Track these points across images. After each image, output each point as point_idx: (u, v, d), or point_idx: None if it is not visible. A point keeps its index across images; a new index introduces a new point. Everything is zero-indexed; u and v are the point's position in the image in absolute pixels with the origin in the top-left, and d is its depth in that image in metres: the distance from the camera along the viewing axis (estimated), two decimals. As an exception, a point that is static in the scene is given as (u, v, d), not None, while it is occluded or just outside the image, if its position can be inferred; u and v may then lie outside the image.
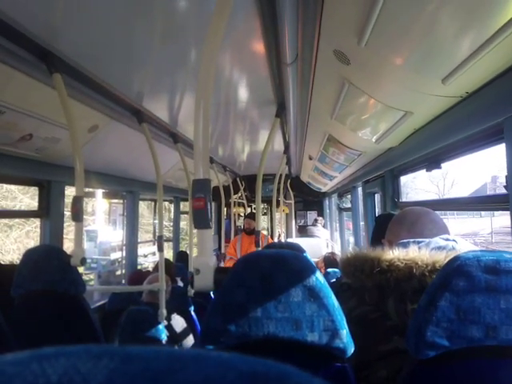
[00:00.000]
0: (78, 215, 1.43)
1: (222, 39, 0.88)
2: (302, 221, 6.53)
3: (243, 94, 2.17)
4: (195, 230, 0.86)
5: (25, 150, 1.95)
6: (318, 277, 0.75)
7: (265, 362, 0.14)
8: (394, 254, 0.87)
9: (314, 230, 5.33)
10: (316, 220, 5.52)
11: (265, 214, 6.88)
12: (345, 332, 0.75)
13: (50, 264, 1.40)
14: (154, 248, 9.03)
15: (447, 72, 1.06)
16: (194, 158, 0.80)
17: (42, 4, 1.19)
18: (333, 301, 0.75)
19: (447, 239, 0.91)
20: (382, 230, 1.35)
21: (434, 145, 1.52)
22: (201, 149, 0.80)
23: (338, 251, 4.68)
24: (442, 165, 1.64)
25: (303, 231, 5.70)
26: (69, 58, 1.52)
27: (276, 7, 1.12)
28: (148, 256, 7.79)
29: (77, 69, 1.59)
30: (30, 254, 1.44)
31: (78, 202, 1.44)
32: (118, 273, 6.83)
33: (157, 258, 7.98)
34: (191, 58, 1.67)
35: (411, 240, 0.93)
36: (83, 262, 1.41)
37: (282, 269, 0.74)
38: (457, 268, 0.72)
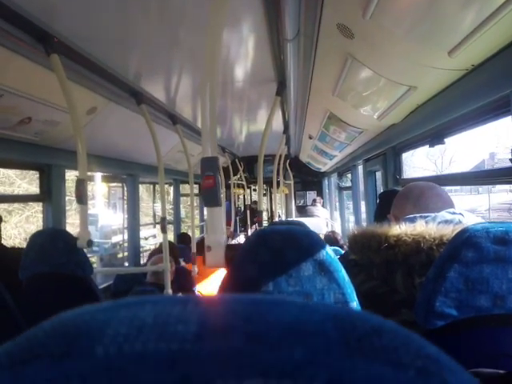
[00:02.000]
0: (82, 198, 1.43)
1: (226, 18, 0.86)
2: (302, 201, 6.56)
3: (242, 72, 2.14)
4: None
5: (24, 134, 1.93)
6: (328, 251, 0.76)
7: (345, 307, 0.15)
8: (401, 229, 0.87)
9: (314, 210, 5.36)
10: (315, 200, 5.55)
11: (264, 194, 6.91)
12: (355, 304, 0.76)
13: (56, 246, 1.41)
14: (154, 231, 9.09)
15: (454, 44, 1.04)
16: (201, 136, 0.80)
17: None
18: (343, 274, 0.76)
19: (453, 213, 0.92)
20: (386, 206, 1.36)
21: (437, 120, 1.51)
22: (208, 127, 0.80)
23: (337, 230, 4.72)
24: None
25: (302, 211, 5.74)
26: (66, 39, 1.49)
27: None
28: (149, 239, 7.85)
29: (74, 50, 1.56)
30: (36, 237, 1.44)
31: (81, 185, 1.43)
32: (120, 255, 6.90)
33: (157, 240, 8.03)
34: (188, 39, 1.63)
35: (417, 215, 0.93)
36: (90, 243, 1.42)
37: (292, 244, 0.75)
38: (466, 240, 0.73)
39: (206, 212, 6.58)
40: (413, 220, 0.91)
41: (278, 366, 0.12)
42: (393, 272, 0.89)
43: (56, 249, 1.39)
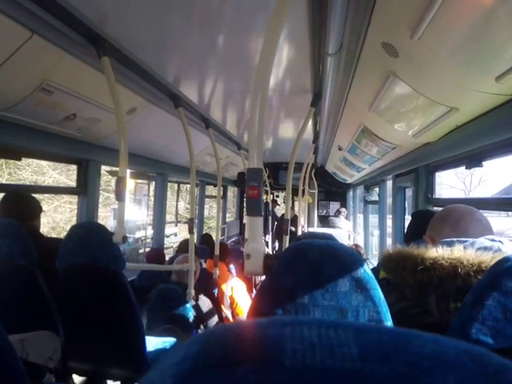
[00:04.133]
0: (120, 195, 1.49)
1: (282, 29, 0.89)
2: (324, 211, 6.52)
3: (280, 80, 2.17)
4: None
5: (68, 129, 2.02)
6: (366, 269, 0.77)
7: (468, 344, 0.17)
8: (438, 253, 0.87)
9: (336, 221, 5.32)
10: (339, 211, 5.50)
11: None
12: (389, 324, 0.77)
13: (93, 240, 1.47)
14: (176, 229, 9.23)
15: (502, 70, 1.03)
16: (248, 146, 0.83)
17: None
18: (379, 293, 0.77)
19: (493, 240, 0.91)
20: (419, 226, 1.35)
21: (477, 142, 1.49)
22: (255, 138, 0.82)
23: (360, 243, 4.67)
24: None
25: (325, 221, 5.69)
26: (116, 42, 1.56)
27: None
28: (170, 236, 7.98)
29: (122, 52, 1.64)
30: (75, 230, 1.51)
31: (120, 183, 1.49)
32: (141, 251, 7.04)
33: (178, 238, 8.14)
34: (226, 46, 1.69)
35: (455, 239, 0.93)
36: (124, 239, 1.47)
37: (331, 259, 0.77)
38: (507, 269, 0.72)
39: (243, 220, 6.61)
40: (450, 244, 0.90)
41: None
42: (427, 294, 0.89)
43: (93, 242, 1.46)
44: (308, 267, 0.77)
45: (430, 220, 1.08)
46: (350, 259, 0.76)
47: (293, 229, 4.87)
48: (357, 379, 0.15)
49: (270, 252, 5.96)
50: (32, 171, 10.16)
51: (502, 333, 0.73)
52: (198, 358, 0.17)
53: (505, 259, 0.74)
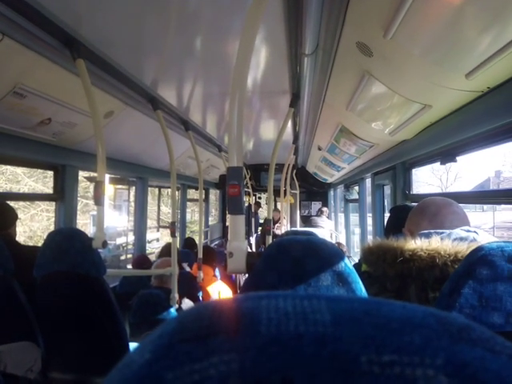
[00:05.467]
0: (99, 199, 1.47)
1: (258, 29, 0.90)
2: (306, 211, 6.58)
3: (257, 82, 2.18)
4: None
5: (42, 134, 1.98)
6: (347, 263, 0.78)
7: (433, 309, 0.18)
8: (416, 244, 0.90)
9: (318, 221, 5.36)
10: (321, 211, 5.55)
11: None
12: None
13: (72, 246, 1.44)
14: (158, 234, 9.12)
15: (471, 67, 1.07)
16: (228, 146, 0.83)
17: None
18: (360, 286, 0.78)
19: (468, 230, 0.94)
20: (397, 220, 1.38)
21: (450, 138, 1.54)
22: (235, 137, 0.83)
23: (342, 241, 4.73)
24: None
25: (307, 221, 5.74)
26: (91, 45, 1.54)
27: None
28: (152, 242, 7.87)
29: (98, 55, 1.61)
30: (52, 236, 1.47)
31: (99, 187, 1.47)
32: (123, 257, 6.92)
33: (160, 244, 8.03)
34: (203, 48, 1.69)
35: (432, 231, 0.95)
36: (104, 244, 1.45)
37: (312, 254, 0.78)
38: (481, 257, 0.75)
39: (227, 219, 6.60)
40: (428, 235, 0.93)
41: (406, 347, 0.16)
42: (406, 285, 0.91)
43: (72, 248, 1.43)
44: (290, 263, 0.78)
45: (409, 214, 1.11)
46: (330, 254, 0.78)
47: (278, 232, 4.90)
48: (329, 342, 0.16)
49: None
50: (6, 179, 9.86)
51: (478, 319, 0.76)
52: (175, 333, 0.18)
53: (479, 248, 0.77)
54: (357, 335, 0.16)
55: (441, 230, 0.94)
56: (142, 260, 3.24)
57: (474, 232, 0.93)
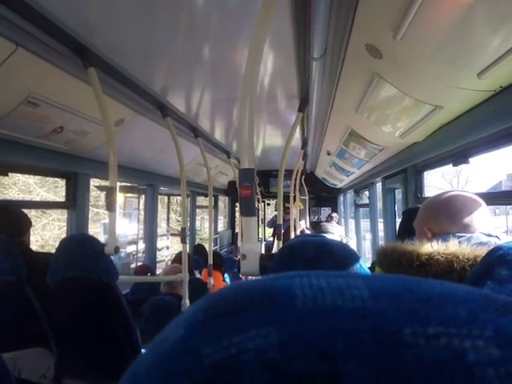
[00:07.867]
0: (111, 205, 1.48)
1: (267, 35, 0.90)
2: (316, 217, 6.54)
3: (266, 87, 2.19)
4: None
5: (55, 143, 2.00)
6: (362, 264, 0.77)
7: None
8: (433, 248, 0.87)
9: (328, 227, 5.32)
10: (331, 216, 5.51)
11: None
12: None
13: (84, 252, 1.45)
14: (167, 242, 9.14)
15: (483, 66, 1.06)
16: (238, 148, 0.83)
17: (79, 0, 1.23)
18: (376, 288, 0.77)
19: (489, 235, 0.90)
20: (410, 224, 1.36)
21: (462, 140, 1.52)
22: (246, 140, 0.83)
23: (353, 247, 4.68)
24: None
25: (317, 227, 5.70)
26: (102, 53, 1.56)
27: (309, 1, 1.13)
28: (162, 250, 7.89)
29: (108, 63, 1.64)
30: (65, 243, 1.49)
31: (111, 193, 1.48)
32: (132, 265, 6.94)
33: (170, 252, 8.04)
34: (212, 56, 1.70)
35: (451, 234, 0.92)
36: (117, 250, 1.46)
37: (326, 255, 0.77)
38: (499, 257, 0.73)
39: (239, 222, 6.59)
40: (446, 239, 0.90)
41: (452, 320, 0.16)
42: None
43: (85, 254, 1.43)
44: (303, 264, 0.77)
45: (427, 208, 1.05)
46: (345, 255, 0.77)
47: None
48: (369, 316, 0.16)
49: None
50: (18, 189, 10.01)
51: None
52: (209, 309, 0.18)
53: (496, 248, 0.75)
54: (398, 309, 0.16)
55: (460, 234, 0.91)
56: (144, 270, 3.26)
57: (496, 237, 0.89)
